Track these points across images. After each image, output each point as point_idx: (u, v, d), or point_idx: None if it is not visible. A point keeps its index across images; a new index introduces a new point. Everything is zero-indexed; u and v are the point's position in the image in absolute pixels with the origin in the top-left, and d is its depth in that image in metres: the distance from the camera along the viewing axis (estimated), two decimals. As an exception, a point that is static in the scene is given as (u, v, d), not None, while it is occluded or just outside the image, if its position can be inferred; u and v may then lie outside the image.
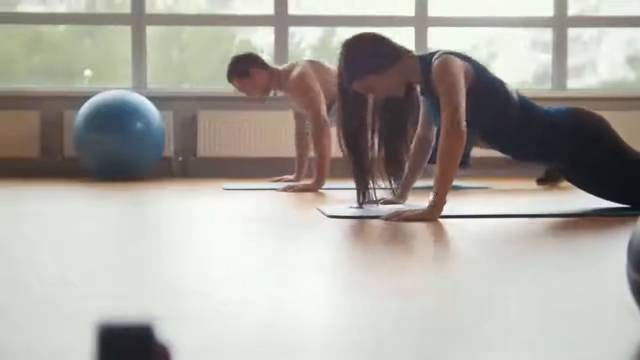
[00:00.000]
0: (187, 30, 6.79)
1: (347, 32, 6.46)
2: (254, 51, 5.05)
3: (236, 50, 6.80)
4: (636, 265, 1.25)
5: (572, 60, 6.64)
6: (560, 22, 6.45)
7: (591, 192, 3.26)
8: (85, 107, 5.55)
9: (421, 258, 2.09)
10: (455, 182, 5.01)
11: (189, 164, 6.23)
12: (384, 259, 2.06)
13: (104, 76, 6.57)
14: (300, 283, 1.74)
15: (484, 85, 3.06)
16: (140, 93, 5.81)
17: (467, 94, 3.00)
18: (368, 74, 3.09)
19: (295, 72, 4.74)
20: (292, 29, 6.52)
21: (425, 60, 3.10)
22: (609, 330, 1.30)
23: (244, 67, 4.82)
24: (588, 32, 6.88)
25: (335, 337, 1.27)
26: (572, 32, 6.60)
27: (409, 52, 3.17)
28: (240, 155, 6.20)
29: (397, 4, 6.52)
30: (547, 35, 6.58)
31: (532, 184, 4.94)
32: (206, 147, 6.19)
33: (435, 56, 3.07)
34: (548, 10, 6.48)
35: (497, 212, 3.10)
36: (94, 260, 2.03)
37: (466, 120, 2.96)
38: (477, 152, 4.86)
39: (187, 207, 3.52)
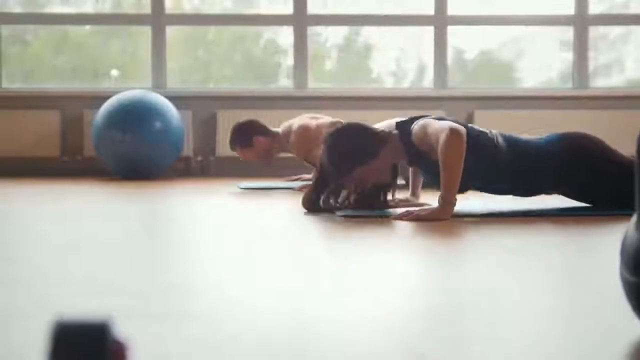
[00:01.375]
0: (213, 30, 6.82)
1: (371, 31, 6.54)
2: (254, 118, 5.03)
3: (262, 49, 6.83)
4: (628, 266, 1.24)
5: (600, 59, 6.59)
6: (581, 21, 6.41)
7: (589, 203, 3.26)
8: (105, 107, 5.58)
9: (428, 257, 2.08)
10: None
11: (208, 163, 6.25)
12: (390, 258, 2.06)
13: (130, 76, 6.61)
14: (307, 282, 1.74)
15: (468, 142, 3.02)
16: (160, 93, 5.84)
17: None
18: (355, 167, 3.10)
19: (295, 128, 4.76)
20: (319, 28, 6.54)
21: (404, 129, 3.11)
22: (603, 329, 1.29)
23: (247, 137, 4.86)
24: (615, 31, 6.81)
25: (344, 336, 1.26)
26: (600, 30, 6.55)
27: (390, 134, 3.15)
28: (258, 155, 6.20)
29: (417, 3, 6.50)
30: (571, 34, 6.53)
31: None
32: (225, 146, 6.19)
33: (414, 122, 3.09)
34: (569, 9, 6.43)
35: (508, 210, 3.09)
36: (102, 259, 2.04)
37: (461, 183, 2.95)
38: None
39: (202, 207, 3.53)
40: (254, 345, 1.19)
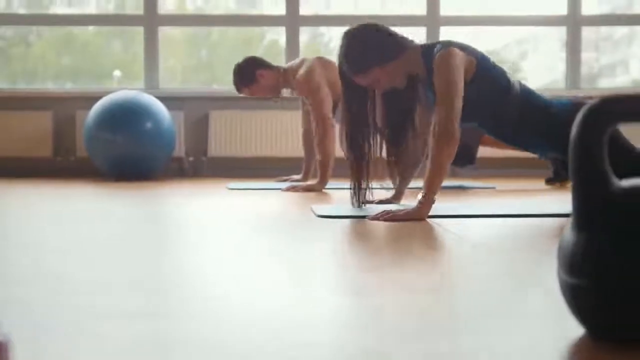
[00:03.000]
0: (217, 31, 6.83)
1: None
2: (253, 54, 4.96)
3: (264, 50, 6.84)
4: (564, 266, 1.25)
5: (603, 60, 6.59)
6: (574, 21, 6.41)
7: None
8: (96, 108, 5.59)
9: (401, 257, 2.09)
10: (461, 182, 5.00)
11: (200, 164, 6.26)
12: (364, 258, 2.06)
13: (133, 77, 6.63)
14: (305, 282, 1.75)
15: (486, 76, 3.05)
16: (152, 93, 5.85)
17: (468, 84, 3.00)
18: (371, 67, 3.07)
19: (302, 70, 4.72)
20: (322, 29, 6.56)
21: (428, 51, 3.08)
22: (544, 330, 1.30)
23: (250, 73, 4.79)
24: (619, 31, 6.80)
25: (343, 336, 1.27)
26: (602, 31, 6.55)
27: (412, 43, 3.13)
28: (251, 155, 6.22)
29: (409, 3, 6.51)
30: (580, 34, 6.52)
31: (540, 184, 4.91)
32: (217, 147, 6.22)
33: (437, 47, 3.05)
34: (563, 9, 6.43)
35: (485, 212, 3.09)
36: (98, 259, 2.05)
37: (467, 113, 2.95)
38: (482, 151, 4.87)
39: (196, 207, 3.54)
40: (254, 346, 1.19)
